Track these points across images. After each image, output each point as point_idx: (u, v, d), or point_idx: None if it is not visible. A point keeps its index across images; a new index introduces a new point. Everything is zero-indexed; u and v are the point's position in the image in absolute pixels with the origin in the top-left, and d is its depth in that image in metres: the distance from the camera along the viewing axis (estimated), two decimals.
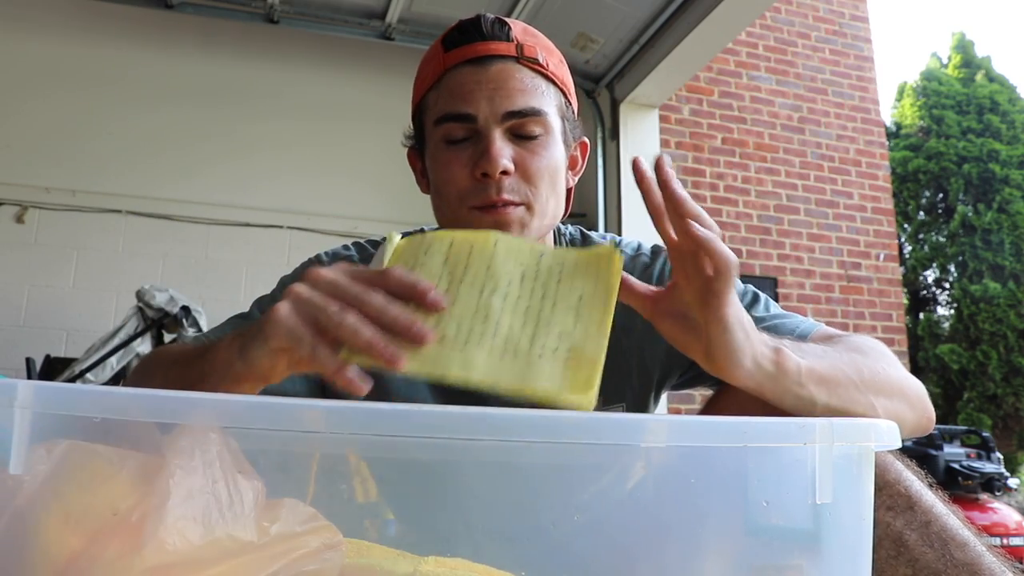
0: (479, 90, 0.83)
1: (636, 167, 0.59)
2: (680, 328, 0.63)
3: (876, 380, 0.68)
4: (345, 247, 0.97)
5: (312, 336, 0.53)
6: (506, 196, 0.82)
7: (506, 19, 0.88)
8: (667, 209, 0.59)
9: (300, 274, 0.93)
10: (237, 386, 0.58)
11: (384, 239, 0.69)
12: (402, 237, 0.99)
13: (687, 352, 0.63)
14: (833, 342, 0.75)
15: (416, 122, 0.92)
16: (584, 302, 0.58)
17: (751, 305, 0.88)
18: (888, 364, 0.71)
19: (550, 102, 0.86)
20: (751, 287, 0.92)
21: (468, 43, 0.85)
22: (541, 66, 0.86)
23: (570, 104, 0.91)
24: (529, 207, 0.84)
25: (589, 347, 0.55)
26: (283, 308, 0.55)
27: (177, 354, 0.75)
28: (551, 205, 0.86)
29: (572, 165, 0.93)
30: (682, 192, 0.58)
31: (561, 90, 0.89)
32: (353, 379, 0.52)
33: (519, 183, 0.83)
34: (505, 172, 0.82)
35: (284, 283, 0.93)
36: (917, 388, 0.74)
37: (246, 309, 0.93)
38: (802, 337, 0.82)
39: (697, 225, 0.57)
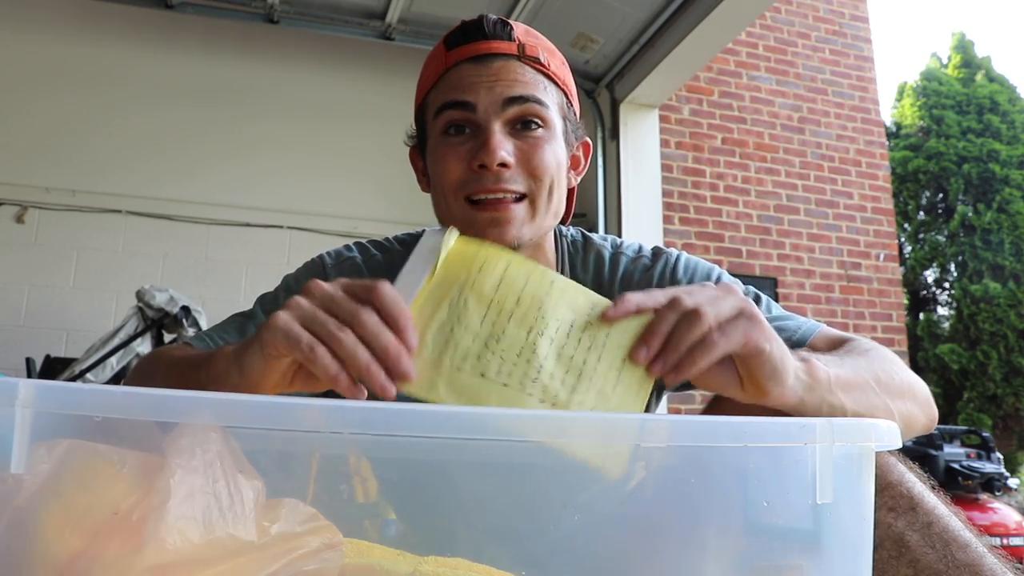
0: (480, 82, 0.84)
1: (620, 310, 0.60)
2: (715, 370, 0.60)
3: (891, 383, 0.69)
4: (347, 247, 0.97)
5: (310, 339, 0.54)
6: (504, 186, 0.82)
7: (508, 20, 0.88)
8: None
9: (304, 274, 0.94)
10: None
11: (440, 231, 0.67)
12: (398, 241, 0.98)
13: (725, 391, 0.61)
14: (842, 348, 0.76)
15: (418, 122, 0.93)
16: (627, 363, 0.58)
17: None
18: (898, 367, 0.72)
19: (551, 99, 0.87)
20: (752, 288, 0.92)
21: (470, 42, 0.86)
22: (542, 65, 0.87)
23: (571, 105, 0.91)
24: (531, 201, 0.83)
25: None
26: (281, 315, 0.55)
27: (175, 360, 0.75)
28: (552, 202, 0.86)
29: (575, 165, 0.93)
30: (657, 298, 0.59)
31: (563, 90, 0.90)
32: (351, 384, 0.53)
33: (519, 175, 0.83)
34: (504, 165, 0.81)
35: (288, 282, 0.93)
36: (923, 389, 0.75)
37: (245, 309, 0.93)
38: (804, 339, 0.82)
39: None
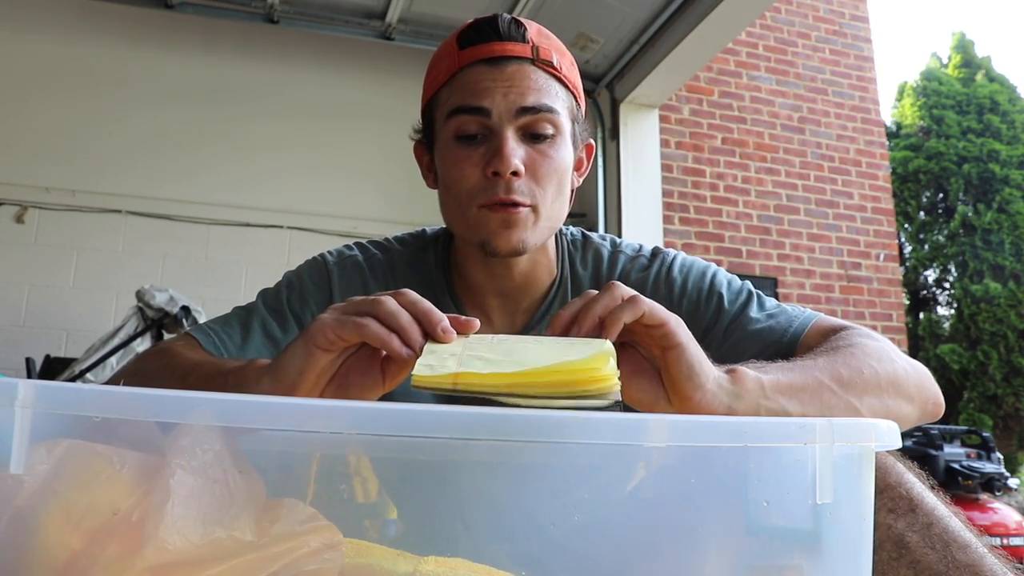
0: (495, 87, 0.83)
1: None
2: (644, 386, 0.64)
3: (859, 380, 0.69)
4: (347, 247, 0.97)
5: (357, 317, 0.58)
6: (515, 196, 0.82)
7: (522, 20, 0.88)
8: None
9: (305, 272, 0.94)
10: None
11: None
12: (399, 241, 0.99)
13: (654, 407, 0.65)
14: (827, 342, 0.77)
15: (426, 118, 0.92)
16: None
17: (745, 305, 0.88)
18: (876, 360, 0.72)
19: (562, 104, 0.87)
20: (747, 284, 0.92)
21: (484, 42, 0.85)
22: (555, 68, 0.87)
23: (579, 107, 0.92)
24: (535, 209, 0.84)
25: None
26: (325, 313, 0.60)
27: (192, 363, 0.75)
28: (557, 208, 0.87)
29: (577, 167, 0.93)
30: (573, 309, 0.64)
31: (572, 93, 0.90)
32: (401, 345, 0.57)
33: (528, 184, 0.83)
34: (516, 173, 0.82)
35: (289, 279, 0.94)
36: (915, 379, 0.75)
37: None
38: (798, 335, 0.83)
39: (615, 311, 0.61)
